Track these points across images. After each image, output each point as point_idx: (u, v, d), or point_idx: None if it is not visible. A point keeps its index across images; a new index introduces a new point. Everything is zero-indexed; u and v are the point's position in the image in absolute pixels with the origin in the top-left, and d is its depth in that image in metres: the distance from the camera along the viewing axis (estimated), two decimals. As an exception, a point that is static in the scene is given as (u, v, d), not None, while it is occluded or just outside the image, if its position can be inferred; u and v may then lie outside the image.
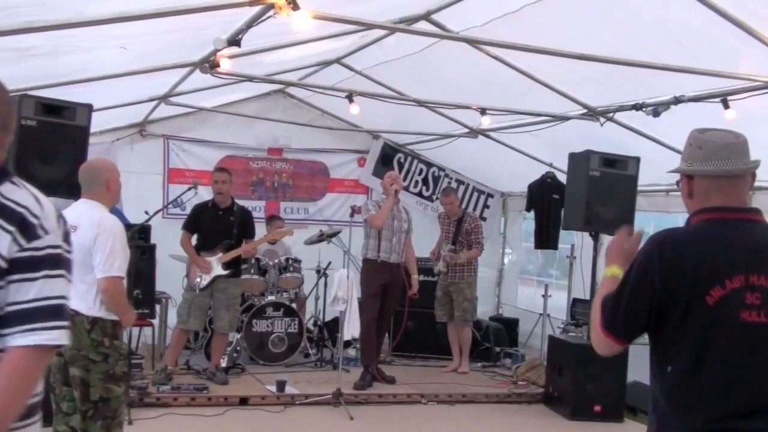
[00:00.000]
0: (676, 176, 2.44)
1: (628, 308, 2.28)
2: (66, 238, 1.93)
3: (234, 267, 7.34)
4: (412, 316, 8.84)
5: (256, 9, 4.54)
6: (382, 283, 7.43)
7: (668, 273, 2.22)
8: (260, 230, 8.22)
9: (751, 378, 2.20)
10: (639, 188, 7.18)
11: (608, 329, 2.32)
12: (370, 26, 5.51)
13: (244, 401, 6.70)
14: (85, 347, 3.96)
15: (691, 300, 2.20)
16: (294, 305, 8.30)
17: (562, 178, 8.20)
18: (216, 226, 7.29)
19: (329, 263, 8.53)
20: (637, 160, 7.03)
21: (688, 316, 2.20)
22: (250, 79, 7.00)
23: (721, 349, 2.19)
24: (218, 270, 7.21)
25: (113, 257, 3.94)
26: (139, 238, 7.42)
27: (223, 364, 7.48)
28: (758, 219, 2.34)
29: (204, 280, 7.20)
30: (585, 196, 6.94)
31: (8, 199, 1.86)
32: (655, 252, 2.26)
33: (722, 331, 2.19)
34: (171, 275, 7.67)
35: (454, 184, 10.50)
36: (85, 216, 4.03)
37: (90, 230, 3.95)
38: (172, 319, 7.67)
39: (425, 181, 10.56)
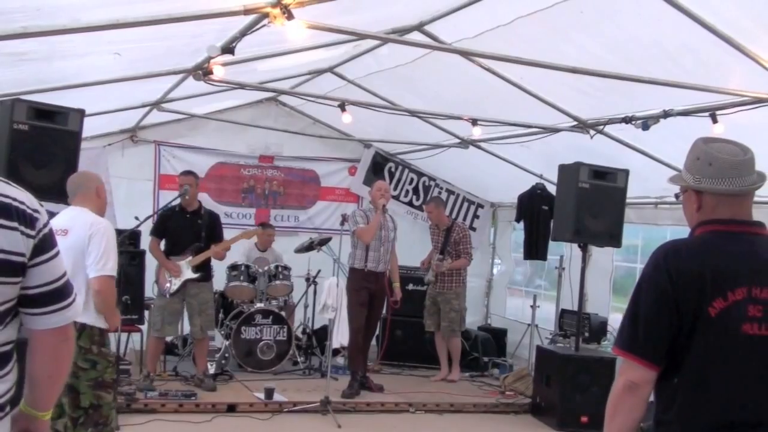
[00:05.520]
0: (674, 186, 2.44)
1: (648, 319, 2.22)
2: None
3: (203, 271, 7.29)
4: (401, 325, 8.88)
5: (251, 18, 4.56)
6: (369, 291, 7.46)
7: (676, 279, 2.19)
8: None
9: (752, 392, 2.18)
10: (628, 200, 7.24)
11: (629, 349, 2.25)
12: (363, 36, 5.54)
13: (232, 408, 6.69)
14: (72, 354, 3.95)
15: (696, 310, 2.18)
16: (283, 313, 8.30)
17: (552, 189, 8.24)
18: (185, 230, 7.24)
19: (318, 271, 8.53)
20: (626, 172, 7.10)
21: (693, 327, 2.18)
22: (242, 86, 7.01)
23: (722, 362, 2.18)
24: (188, 274, 7.15)
25: (107, 257, 3.98)
26: (129, 243, 7.41)
27: (212, 370, 7.47)
28: (763, 233, 2.33)
29: (174, 285, 7.12)
30: (574, 207, 6.99)
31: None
32: (661, 260, 2.24)
33: (724, 343, 2.18)
34: (160, 281, 7.63)
35: (444, 194, 10.53)
36: (77, 219, 4.05)
37: (83, 231, 3.98)
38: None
39: (416, 191, 10.59)
